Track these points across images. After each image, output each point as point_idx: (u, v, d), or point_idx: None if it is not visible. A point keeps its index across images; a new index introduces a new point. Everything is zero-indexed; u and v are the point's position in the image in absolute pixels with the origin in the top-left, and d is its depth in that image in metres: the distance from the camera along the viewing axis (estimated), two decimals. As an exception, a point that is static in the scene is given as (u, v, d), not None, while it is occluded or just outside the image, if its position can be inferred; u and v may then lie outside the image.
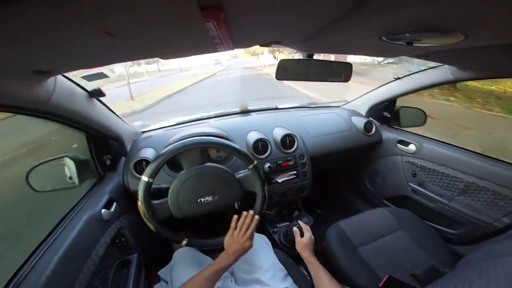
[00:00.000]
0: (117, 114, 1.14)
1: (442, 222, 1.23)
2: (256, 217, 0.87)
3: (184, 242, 0.92)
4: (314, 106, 1.66)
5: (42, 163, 1.00)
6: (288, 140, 1.29)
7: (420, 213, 1.20)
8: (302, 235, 1.00)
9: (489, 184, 1.03)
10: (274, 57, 24.51)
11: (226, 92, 10.01)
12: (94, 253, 0.82)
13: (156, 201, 0.89)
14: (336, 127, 1.46)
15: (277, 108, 1.63)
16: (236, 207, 1.27)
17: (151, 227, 0.88)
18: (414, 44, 0.50)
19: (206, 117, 1.54)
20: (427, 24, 0.39)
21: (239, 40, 0.47)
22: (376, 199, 1.63)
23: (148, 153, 1.15)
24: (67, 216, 0.86)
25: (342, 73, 0.82)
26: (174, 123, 1.47)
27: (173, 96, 10.38)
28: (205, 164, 0.93)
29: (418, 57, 0.73)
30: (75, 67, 0.59)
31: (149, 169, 0.84)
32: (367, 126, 1.46)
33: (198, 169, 0.91)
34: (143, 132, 1.38)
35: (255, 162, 0.95)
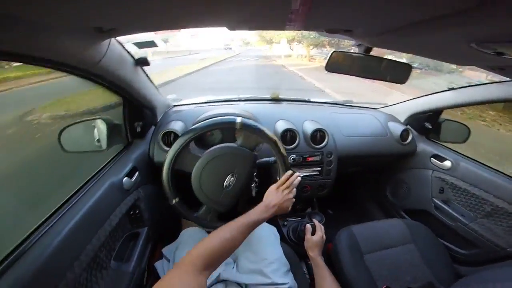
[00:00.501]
0: (155, 84, 1.14)
1: (455, 241, 1.21)
2: (300, 178, 0.88)
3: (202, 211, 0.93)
4: (349, 104, 1.58)
5: (75, 123, 1.01)
6: (318, 135, 1.24)
7: (435, 229, 1.17)
8: (313, 233, 0.99)
9: None
10: (290, 47, 23.42)
11: (239, 82, 9.22)
12: (107, 223, 0.82)
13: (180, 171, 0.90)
14: (371, 130, 1.39)
15: (309, 101, 1.57)
16: (253, 191, 1.25)
17: (169, 196, 0.88)
18: (503, 56, 0.45)
19: (236, 99, 1.52)
20: None
21: (314, 20, 0.44)
22: (394, 209, 1.58)
23: (177, 125, 1.16)
24: (91, 180, 0.86)
25: (400, 74, 0.76)
26: (205, 101, 1.47)
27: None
28: (215, 147, 0.92)
29: (492, 69, 0.66)
30: (136, 29, 0.58)
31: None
32: (404, 134, 1.38)
33: (210, 152, 0.91)
34: (174, 105, 1.39)
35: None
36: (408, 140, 1.39)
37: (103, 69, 0.70)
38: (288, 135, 1.22)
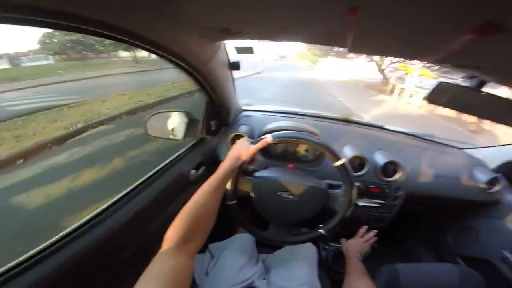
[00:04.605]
0: (235, 88, 1.21)
1: None
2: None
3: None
4: (429, 139, 1.42)
5: (163, 112, 1.13)
6: (390, 168, 1.15)
7: (492, 283, 0.98)
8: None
9: None
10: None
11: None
12: (168, 210, 0.86)
13: (243, 175, 0.89)
14: (451, 172, 1.23)
15: (383, 128, 1.47)
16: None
17: (229, 195, 0.86)
18: None
19: (302, 113, 1.51)
20: None
21: (361, 44, 0.43)
22: (449, 254, 1.39)
23: (245, 130, 1.20)
24: (164, 167, 0.92)
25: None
26: (272, 110, 1.50)
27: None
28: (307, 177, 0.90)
29: None
30: (258, 34, 0.62)
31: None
32: (492, 182, 1.19)
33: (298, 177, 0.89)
34: (244, 109, 1.45)
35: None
36: (495, 189, 1.18)
37: (209, 70, 0.76)
38: (357, 162, 1.16)
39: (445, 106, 0.70)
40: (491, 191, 1.19)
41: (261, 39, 0.63)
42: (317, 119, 1.45)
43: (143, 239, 0.77)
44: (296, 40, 0.68)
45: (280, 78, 14.43)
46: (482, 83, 0.67)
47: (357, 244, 0.97)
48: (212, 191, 0.64)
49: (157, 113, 1.12)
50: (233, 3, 0.40)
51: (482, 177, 1.20)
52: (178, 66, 0.71)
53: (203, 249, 1.02)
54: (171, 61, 0.68)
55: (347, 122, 1.45)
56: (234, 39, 0.67)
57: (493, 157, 1.29)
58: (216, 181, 0.66)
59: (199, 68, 0.72)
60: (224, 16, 0.47)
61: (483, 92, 0.66)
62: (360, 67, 19.93)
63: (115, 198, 0.73)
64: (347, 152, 1.17)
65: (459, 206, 1.33)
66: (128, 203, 0.74)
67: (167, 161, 0.98)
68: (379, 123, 1.49)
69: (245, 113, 1.41)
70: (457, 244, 1.38)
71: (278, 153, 1.23)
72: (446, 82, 0.69)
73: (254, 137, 1.19)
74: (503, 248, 1.13)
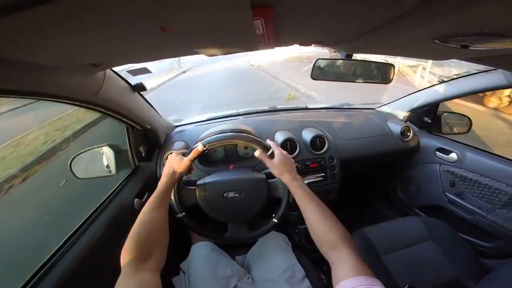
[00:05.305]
0: (154, 107, 1.20)
1: (476, 235, 1.18)
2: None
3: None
4: (347, 107, 1.60)
5: (85, 151, 1.07)
6: (318, 141, 1.26)
7: (453, 224, 1.14)
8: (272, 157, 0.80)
9: None
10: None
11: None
12: (122, 243, 0.85)
13: (186, 186, 0.90)
14: (370, 130, 1.39)
15: (307, 108, 1.60)
16: None
17: (175, 209, 0.86)
18: (469, 48, 0.47)
19: (235, 114, 1.56)
20: (490, 27, 0.36)
21: (282, 39, 0.47)
22: (407, 208, 1.55)
23: (180, 146, 1.20)
24: (104, 203, 0.89)
25: (383, 74, 0.79)
26: (205, 119, 1.52)
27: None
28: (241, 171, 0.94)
29: (471, 60, 0.67)
30: (126, 61, 0.63)
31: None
32: (404, 131, 1.38)
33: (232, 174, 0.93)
34: (176, 126, 1.44)
35: None
36: (410, 137, 1.38)
37: (102, 98, 0.75)
38: (288, 145, 1.24)
39: (326, 79, 0.81)
40: (407, 139, 1.38)
41: (134, 62, 0.65)
42: (250, 115, 1.52)
43: (100, 279, 0.74)
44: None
45: (214, 74, 11.30)
46: (349, 54, 0.78)
47: (276, 163, 0.78)
48: (155, 208, 0.64)
49: (79, 154, 1.06)
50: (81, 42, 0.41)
51: (396, 128, 1.39)
52: (72, 105, 0.70)
53: (177, 271, 1.02)
54: (63, 103, 0.66)
55: (276, 111, 1.54)
56: (106, 68, 0.68)
57: (399, 110, 1.50)
58: (156, 199, 0.67)
59: (91, 100, 0.71)
60: (80, 54, 0.46)
61: (352, 60, 0.78)
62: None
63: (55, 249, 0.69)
64: (278, 138, 1.25)
65: (391, 160, 1.52)
66: (73, 246, 0.70)
67: (104, 198, 0.94)
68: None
69: (177, 129, 1.40)
70: (406, 196, 1.55)
71: (221, 158, 1.26)
72: (322, 58, 0.79)
73: None
74: (445, 191, 1.30)
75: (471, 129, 1.29)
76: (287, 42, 0.55)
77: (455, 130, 1.35)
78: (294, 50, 15.94)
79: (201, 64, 15.28)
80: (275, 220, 0.91)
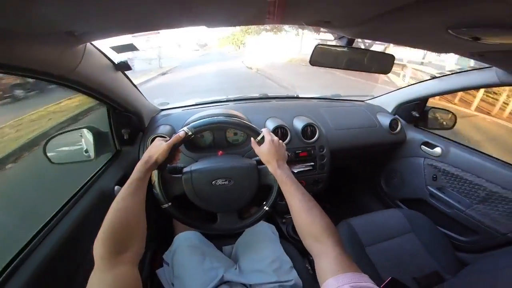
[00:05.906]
0: (139, 89, 1.12)
1: (455, 229, 1.22)
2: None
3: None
4: (337, 98, 1.59)
5: (60, 134, 0.97)
6: (309, 130, 1.25)
7: (433, 218, 1.18)
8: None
9: None
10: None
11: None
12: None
13: (171, 174, 0.84)
14: (360, 122, 1.40)
15: (298, 97, 1.58)
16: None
17: (161, 200, 0.81)
18: (480, 41, 0.45)
19: (225, 99, 1.51)
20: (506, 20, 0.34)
21: (291, 13, 0.42)
22: (390, 200, 1.59)
23: (166, 130, 1.13)
24: (81, 191, 0.82)
25: (383, 64, 0.77)
26: (193, 103, 1.45)
27: None
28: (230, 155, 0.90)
29: (472, 55, 0.67)
30: (107, 30, 0.56)
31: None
32: (393, 124, 1.40)
33: (222, 160, 0.88)
34: (162, 109, 1.36)
35: None
36: (397, 130, 1.41)
37: (81, 75, 0.67)
38: (279, 132, 1.21)
39: (325, 65, 0.77)
40: (394, 132, 1.40)
41: (127, 33, 0.58)
42: (241, 102, 1.47)
43: (79, 273, 0.68)
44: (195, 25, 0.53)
45: (201, 77, 9.12)
46: (351, 41, 0.75)
47: (265, 151, 0.76)
48: (129, 195, 0.60)
49: (54, 136, 0.96)
50: (60, 5, 0.34)
51: (385, 120, 1.40)
52: (47, 81, 0.62)
53: (161, 263, 0.98)
54: (36, 78, 0.58)
55: (268, 99, 1.50)
56: (87, 41, 0.60)
57: (388, 103, 1.52)
58: (129, 185, 0.62)
59: (67, 77, 0.64)
60: (58, 19, 0.40)
61: (353, 48, 0.75)
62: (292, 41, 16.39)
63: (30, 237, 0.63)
64: (269, 125, 1.22)
65: (378, 152, 1.54)
66: (46, 238, 0.64)
67: (81, 184, 0.87)
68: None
69: (163, 112, 1.33)
70: (390, 188, 1.59)
71: (208, 144, 1.21)
72: (323, 45, 0.76)
73: None
74: (428, 185, 1.33)
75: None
76: (295, 18, 0.51)
77: (441, 125, 1.39)
78: (295, 51, 14.90)
79: (187, 66, 12.96)
80: (266, 208, 0.88)
